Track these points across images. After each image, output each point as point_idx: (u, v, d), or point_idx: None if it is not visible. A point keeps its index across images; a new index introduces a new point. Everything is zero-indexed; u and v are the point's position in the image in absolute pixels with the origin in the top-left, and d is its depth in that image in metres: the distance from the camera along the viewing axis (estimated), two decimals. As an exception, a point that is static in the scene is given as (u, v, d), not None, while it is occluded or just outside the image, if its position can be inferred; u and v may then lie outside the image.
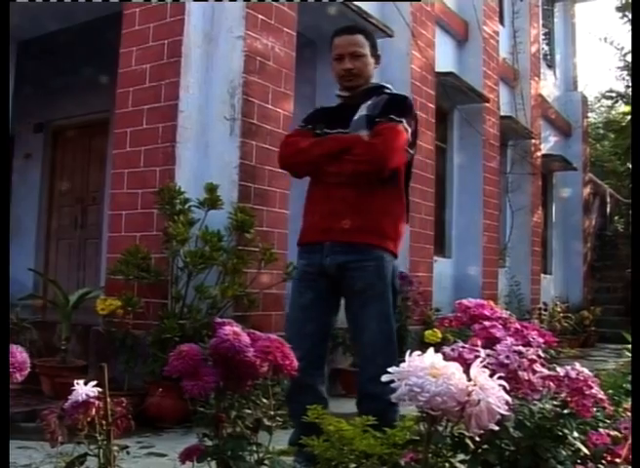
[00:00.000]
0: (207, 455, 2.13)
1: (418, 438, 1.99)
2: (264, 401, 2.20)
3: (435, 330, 8.22)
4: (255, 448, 2.17)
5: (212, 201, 6.05)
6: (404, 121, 3.80)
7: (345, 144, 3.76)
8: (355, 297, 3.78)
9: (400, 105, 3.90)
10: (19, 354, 2.05)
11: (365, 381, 3.65)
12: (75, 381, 2.08)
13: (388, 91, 4.01)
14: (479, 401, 1.80)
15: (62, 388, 5.65)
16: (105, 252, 7.75)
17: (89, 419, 2.03)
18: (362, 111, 3.86)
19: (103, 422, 2.04)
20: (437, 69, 10.40)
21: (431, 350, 1.88)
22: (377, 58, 4.05)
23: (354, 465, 2.09)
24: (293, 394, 3.24)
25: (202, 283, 5.95)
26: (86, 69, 9.48)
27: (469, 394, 1.80)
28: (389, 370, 1.87)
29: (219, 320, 2.25)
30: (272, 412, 2.19)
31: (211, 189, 6.07)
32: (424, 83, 9.90)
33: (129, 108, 6.76)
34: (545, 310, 13.98)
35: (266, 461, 2.16)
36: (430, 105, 10.07)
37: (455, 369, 1.82)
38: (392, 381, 3.70)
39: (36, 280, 10.61)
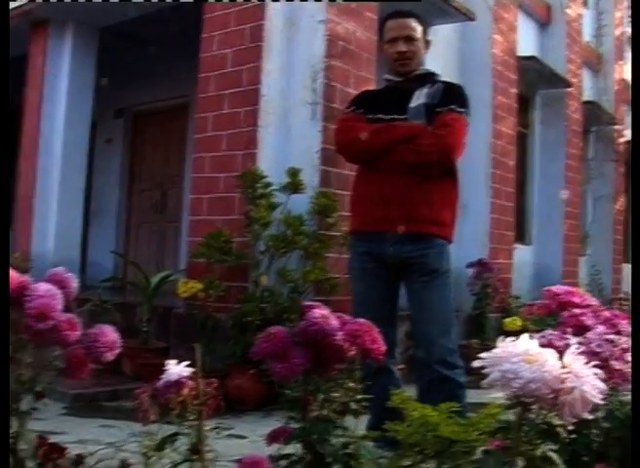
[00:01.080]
0: (294, 438, 2.13)
1: (506, 425, 1.96)
2: (351, 384, 2.19)
3: (515, 317, 8.14)
4: (340, 432, 2.16)
5: (294, 185, 6.06)
6: (466, 112, 3.87)
7: (412, 133, 3.77)
8: (418, 284, 3.84)
9: (460, 95, 3.95)
10: (110, 333, 2.07)
11: (433, 364, 3.72)
12: (167, 361, 2.11)
13: (440, 78, 4.04)
14: (573, 388, 1.77)
15: (144, 369, 5.76)
16: (185, 235, 7.84)
17: (180, 399, 2.05)
18: (420, 99, 3.87)
19: (195, 402, 2.06)
20: (519, 53, 10.23)
21: (525, 336, 1.86)
22: (427, 43, 4.05)
23: (438, 451, 2.07)
24: (369, 376, 3.27)
25: (284, 267, 5.99)
26: (165, 55, 9.59)
27: (563, 381, 1.77)
28: (482, 355, 1.86)
29: (307, 303, 2.25)
30: (359, 396, 2.18)
31: (293, 173, 6.08)
32: (506, 67, 9.75)
33: (210, 93, 6.80)
34: (627, 300, 13.73)
35: (351, 445, 2.15)
36: (512, 90, 9.92)
37: (549, 355, 1.80)
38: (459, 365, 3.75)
39: (116, 263, 10.82)
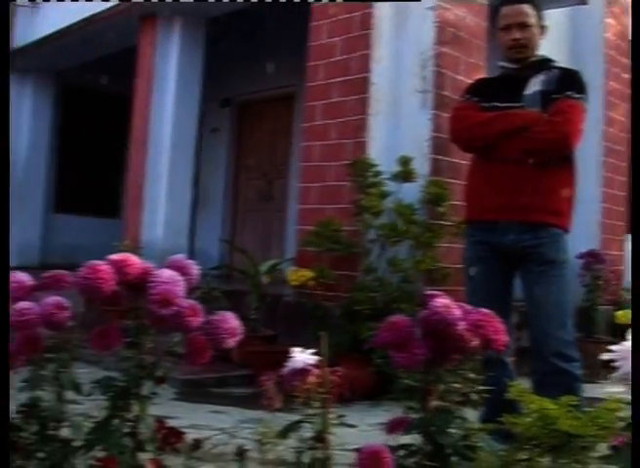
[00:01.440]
0: (413, 428, 2.10)
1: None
2: (471, 375, 2.15)
3: (628, 310, 7.94)
4: (460, 424, 2.13)
5: (405, 173, 6.02)
6: (583, 98, 3.77)
7: (527, 121, 3.71)
8: (534, 274, 3.78)
9: (576, 81, 3.85)
10: (231, 320, 2.09)
11: (550, 356, 3.65)
12: (292, 349, 2.11)
13: (556, 64, 3.95)
14: None
15: (252, 356, 5.80)
16: (291, 224, 7.86)
17: (306, 387, 2.05)
18: (535, 86, 3.80)
19: (320, 390, 2.05)
20: (632, 38, 9.95)
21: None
22: (542, 29, 3.96)
23: (555, 445, 2.02)
24: (488, 368, 3.25)
25: (394, 256, 5.96)
26: (271, 45, 9.64)
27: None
28: (611, 348, 1.80)
29: (429, 292, 2.22)
30: (480, 387, 2.14)
31: (405, 162, 6.04)
32: (619, 52, 9.48)
33: (319, 81, 6.82)
34: None
35: (471, 437, 2.11)
36: (625, 76, 9.64)
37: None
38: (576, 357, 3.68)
39: (222, 251, 10.95)
